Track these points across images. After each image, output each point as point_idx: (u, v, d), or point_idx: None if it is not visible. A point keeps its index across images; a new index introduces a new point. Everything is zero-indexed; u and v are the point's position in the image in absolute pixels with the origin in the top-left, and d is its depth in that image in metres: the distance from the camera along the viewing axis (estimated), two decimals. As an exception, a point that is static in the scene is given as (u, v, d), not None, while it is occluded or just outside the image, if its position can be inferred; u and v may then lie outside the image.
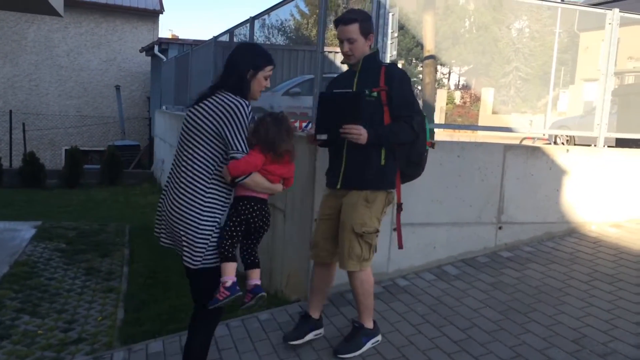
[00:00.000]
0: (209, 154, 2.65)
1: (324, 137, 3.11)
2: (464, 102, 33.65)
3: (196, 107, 2.70)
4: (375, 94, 3.10)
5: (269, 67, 2.79)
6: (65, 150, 15.67)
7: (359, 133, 2.98)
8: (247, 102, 2.64)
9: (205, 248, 2.64)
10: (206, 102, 2.67)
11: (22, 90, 17.81)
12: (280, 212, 4.81)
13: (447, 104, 30.25)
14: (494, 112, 27.01)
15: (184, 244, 2.64)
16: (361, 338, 3.34)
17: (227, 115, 2.59)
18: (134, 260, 6.57)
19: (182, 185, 2.66)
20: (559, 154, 4.89)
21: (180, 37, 24.00)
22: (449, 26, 30.59)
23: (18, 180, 13.11)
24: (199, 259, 2.64)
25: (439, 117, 27.94)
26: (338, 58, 13.88)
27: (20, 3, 7.45)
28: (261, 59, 2.78)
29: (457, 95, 35.07)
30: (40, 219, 8.89)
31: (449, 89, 38.05)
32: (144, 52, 17.38)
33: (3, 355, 3.97)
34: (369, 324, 3.38)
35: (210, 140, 2.63)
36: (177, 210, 2.64)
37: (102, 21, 18.32)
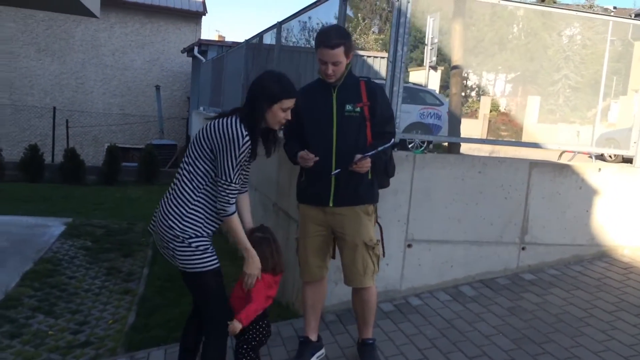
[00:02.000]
0: (203, 169, 2.66)
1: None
2: (509, 110, 32.87)
3: (210, 123, 2.68)
4: (358, 109, 3.05)
5: (289, 101, 2.67)
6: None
7: (369, 165, 2.99)
8: (244, 133, 2.57)
9: (185, 254, 2.64)
10: (219, 121, 2.65)
11: (69, 88, 18.34)
12: (294, 222, 4.71)
13: (490, 112, 29.59)
14: (539, 122, 26.26)
15: (168, 247, 2.69)
16: (377, 353, 3.35)
17: (224, 141, 2.58)
18: (155, 262, 6.59)
19: (173, 193, 2.70)
20: (590, 173, 4.62)
21: (226, 38, 24.33)
22: (495, 32, 29.93)
23: (59, 175, 13.48)
24: (183, 263, 2.66)
25: (482, 125, 27.38)
26: (377, 63, 13.67)
27: (57, 4, 7.62)
28: (280, 91, 2.65)
29: (503, 102, 34.28)
30: (74, 215, 9.10)
31: (495, 96, 37.25)
32: (186, 53, 17.63)
33: (10, 355, 4.02)
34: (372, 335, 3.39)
35: (207, 158, 2.65)
36: (162, 214, 2.69)
37: (147, 22, 18.69)
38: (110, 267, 6.28)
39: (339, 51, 2.94)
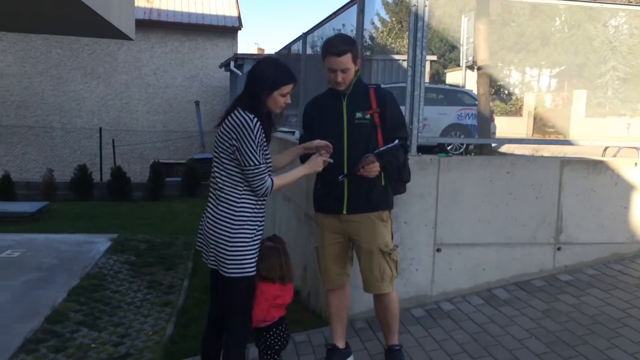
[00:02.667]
0: (234, 168, 2.73)
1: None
2: (555, 106, 31.97)
3: (221, 125, 2.76)
4: (368, 116, 3.07)
5: (287, 86, 2.76)
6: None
7: (377, 169, 2.96)
8: (251, 116, 2.65)
9: (236, 258, 2.71)
10: (226, 120, 2.74)
11: (114, 108, 18.98)
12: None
13: (535, 108, 28.86)
14: (587, 116, 25.45)
15: (216, 253, 2.75)
16: (404, 358, 3.36)
17: (237, 131, 2.66)
18: (195, 274, 6.74)
19: (215, 200, 2.77)
20: (626, 168, 4.47)
21: (266, 51, 24.65)
22: (537, 26, 29.18)
23: (107, 193, 13.95)
24: (231, 268, 2.72)
25: (526, 123, 26.78)
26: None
27: (94, 31, 7.95)
28: (278, 77, 2.75)
29: (548, 98, 33.36)
30: (120, 231, 9.40)
31: (539, 91, 36.27)
32: (223, 68, 17.98)
33: (55, 369, 4.19)
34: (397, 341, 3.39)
35: (233, 156, 2.71)
36: (212, 222, 2.76)
37: (185, 40, 19.17)
38: (152, 280, 6.46)
39: (347, 58, 2.97)
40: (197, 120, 18.76)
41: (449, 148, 11.51)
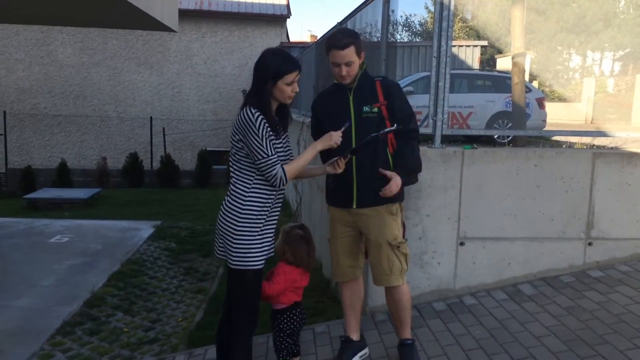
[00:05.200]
0: (245, 161, 2.75)
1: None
2: (619, 91, 30.50)
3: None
4: (376, 109, 3.03)
5: (291, 75, 2.72)
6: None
7: (398, 184, 3.00)
8: (253, 111, 2.65)
9: (241, 250, 2.74)
10: (237, 116, 2.76)
11: (167, 97, 19.49)
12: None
13: (596, 94, 27.61)
14: (651, 102, 24.17)
15: (224, 244, 2.79)
16: (417, 353, 3.32)
17: (242, 129, 2.68)
18: (231, 262, 6.89)
19: (229, 192, 2.82)
20: (665, 161, 4.24)
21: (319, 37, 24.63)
22: (599, 7, 27.93)
23: (156, 180, 14.42)
24: (236, 260, 2.75)
25: (585, 109, 25.72)
26: (462, 52, 13.17)
27: (140, 24, 8.17)
28: (280, 67, 2.70)
29: (611, 83, 31.86)
30: (165, 217, 9.71)
31: (601, 76, 34.70)
32: (271, 57, 18.10)
33: (87, 351, 4.40)
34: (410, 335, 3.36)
35: (245, 151, 2.74)
36: (221, 214, 2.81)
37: (235, 29, 19.41)
38: (188, 267, 6.65)
39: (350, 51, 2.94)
40: (246, 109, 19.01)
41: (496, 137, 11.21)
